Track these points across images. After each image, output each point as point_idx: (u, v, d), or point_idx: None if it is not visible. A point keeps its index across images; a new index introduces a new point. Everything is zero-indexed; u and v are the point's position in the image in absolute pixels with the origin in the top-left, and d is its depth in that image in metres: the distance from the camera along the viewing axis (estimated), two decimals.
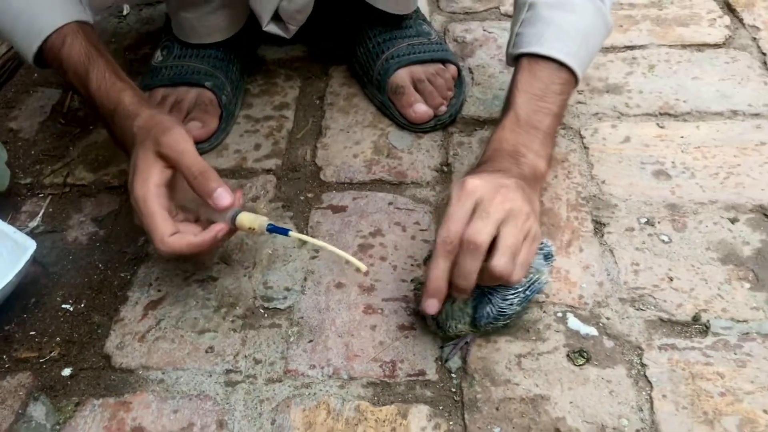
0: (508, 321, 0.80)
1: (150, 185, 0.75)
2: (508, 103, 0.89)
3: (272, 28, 1.04)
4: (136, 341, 0.83)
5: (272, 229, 0.78)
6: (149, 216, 0.75)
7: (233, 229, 0.79)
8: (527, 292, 0.79)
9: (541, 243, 0.82)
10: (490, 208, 0.72)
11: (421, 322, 0.84)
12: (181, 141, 0.76)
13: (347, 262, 0.75)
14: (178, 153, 0.76)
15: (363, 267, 0.74)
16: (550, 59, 0.88)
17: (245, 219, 0.78)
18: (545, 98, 0.87)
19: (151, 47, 1.26)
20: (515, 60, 0.92)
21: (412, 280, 0.87)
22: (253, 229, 0.78)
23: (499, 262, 0.71)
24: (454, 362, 0.80)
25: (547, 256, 0.82)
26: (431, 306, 0.75)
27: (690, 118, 1.10)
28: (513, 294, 0.78)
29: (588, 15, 0.91)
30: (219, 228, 0.77)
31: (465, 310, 0.78)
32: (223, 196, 0.76)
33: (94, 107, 0.86)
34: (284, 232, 0.78)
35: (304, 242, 0.86)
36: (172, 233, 0.75)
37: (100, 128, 1.11)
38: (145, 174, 0.75)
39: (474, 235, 0.71)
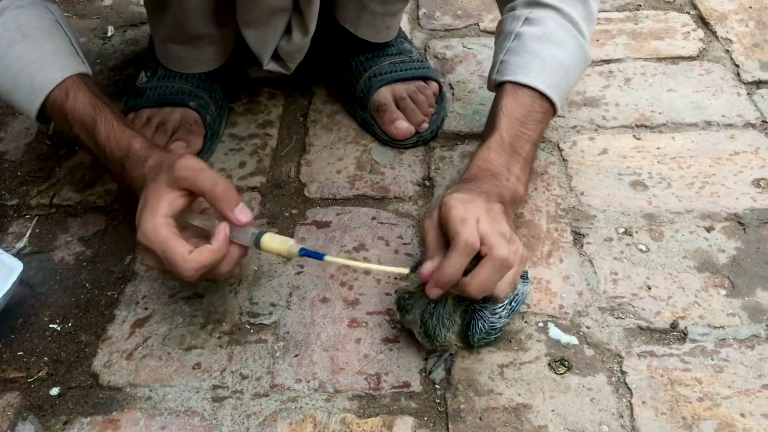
0: (499, 334, 0.82)
1: (158, 216, 0.73)
2: (492, 125, 0.91)
3: (273, 67, 1.08)
4: (124, 359, 0.84)
5: (306, 254, 0.77)
6: (163, 242, 0.72)
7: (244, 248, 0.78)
8: (512, 304, 0.81)
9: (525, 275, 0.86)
10: (496, 225, 0.76)
11: (406, 335, 0.85)
12: (196, 162, 0.76)
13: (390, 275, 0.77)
14: (196, 171, 0.74)
15: (405, 270, 0.78)
16: (534, 89, 0.91)
17: (271, 241, 0.77)
18: (527, 125, 0.91)
19: (136, 68, 1.27)
20: (499, 85, 0.94)
21: (396, 291, 0.88)
22: (283, 254, 0.77)
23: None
24: (438, 374, 0.82)
25: (524, 277, 0.85)
26: (434, 293, 0.76)
27: (666, 130, 1.13)
28: (500, 307, 0.80)
29: (570, 50, 0.95)
30: (225, 228, 0.75)
31: (453, 318, 0.80)
32: (245, 211, 0.76)
33: (102, 156, 0.86)
34: (319, 256, 0.78)
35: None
36: (191, 251, 0.73)
37: None
38: (154, 206, 0.74)
39: (509, 252, 0.74)
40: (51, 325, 0.88)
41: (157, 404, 0.79)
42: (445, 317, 0.79)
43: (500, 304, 0.80)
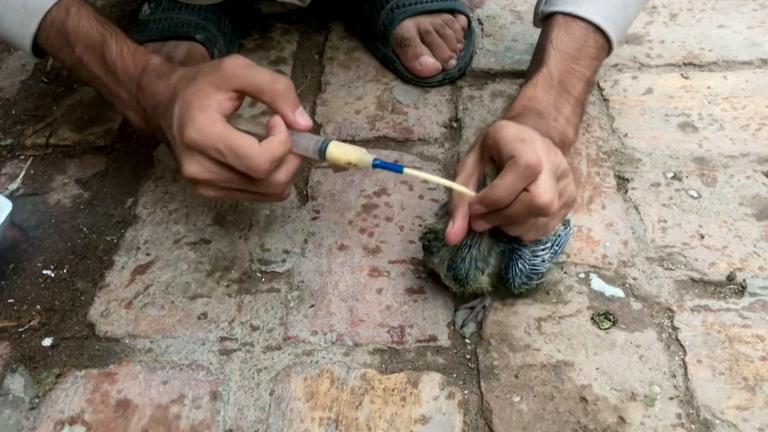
0: (541, 281, 0.73)
1: (211, 112, 0.64)
2: (539, 60, 0.81)
3: None
4: (123, 308, 0.77)
5: (380, 165, 0.66)
6: (224, 136, 0.63)
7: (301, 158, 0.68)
8: (555, 247, 0.73)
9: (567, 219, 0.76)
10: (550, 157, 0.65)
11: (432, 285, 0.77)
12: (246, 60, 0.66)
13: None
14: (249, 67, 0.66)
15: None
16: (587, 21, 0.81)
17: (340, 150, 0.66)
18: (579, 61, 0.81)
19: (140, 2, 1.18)
20: (545, 18, 0.84)
21: (424, 229, 0.76)
22: (354, 164, 0.66)
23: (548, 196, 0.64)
24: (469, 328, 0.74)
25: (565, 223, 0.76)
26: (479, 225, 0.67)
27: (716, 68, 1.03)
28: (542, 249, 0.71)
29: None
30: (282, 120, 0.66)
31: (488, 259, 0.71)
32: (304, 114, 0.67)
33: (112, 77, 0.75)
34: (397, 168, 0.67)
35: (305, 200, 0.76)
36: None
37: (85, 86, 1.04)
38: (202, 105, 0.64)
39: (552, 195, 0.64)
40: (44, 272, 0.81)
41: (159, 357, 0.72)
42: (479, 258, 0.70)
43: (541, 246, 0.71)
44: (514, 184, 0.63)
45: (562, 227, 0.75)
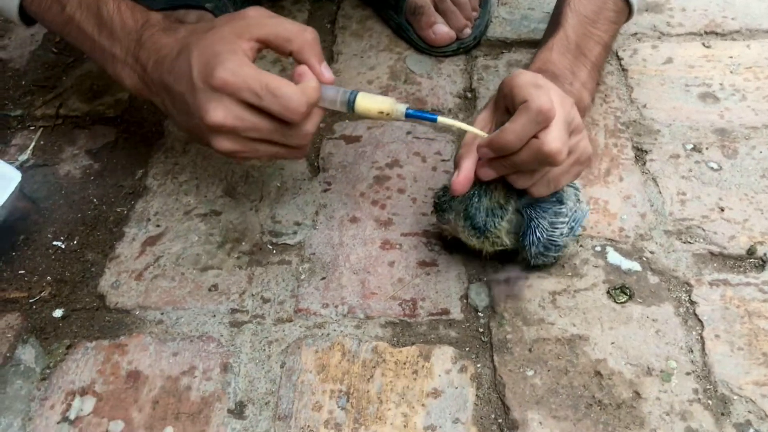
0: (558, 254, 0.71)
1: (241, 55, 0.61)
2: (556, 22, 0.79)
3: None
4: (133, 280, 0.76)
5: (413, 115, 0.64)
6: (260, 76, 0.60)
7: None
8: (572, 223, 0.70)
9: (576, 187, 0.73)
10: (565, 108, 0.63)
11: (445, 258, 0.76)
12: (268, 11, 0.64)
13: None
14: (273, 16, 0.63)
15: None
16: None
17: (370, 100, 0.63)
18: (597, 24, 0.78)
19: None
20: None
21: (437, 192, 0.73)
22: (386, 113, 0.63)
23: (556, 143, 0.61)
24: (481, 300, 0.72)
25: (577, 193, 0.73)
26: (486, 173, 0.65)
27: (739, 37, 1.00)
28: (562, 222, 0.69)
29: None
30: (305, 68, 0.64)
31: (506, 207, 0.68)
32: (328, 68, 0.65)
33: (107, 34, 0.69)
34: (431, 118, 0.64)
35: (316, 172, 0.72)
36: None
37: None
38: (230, 49, 0.61)
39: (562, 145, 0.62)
40: (55, 243, 0.80)
41: (169, 328, 0.72)
42: (494, 206, 0.67)
43: (562, 218, 0.69)
44: (525, 128, 0.61)
45: (583, 204, 0.73)
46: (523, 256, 0.71)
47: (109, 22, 0.69)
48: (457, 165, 0.66)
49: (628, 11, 0.81)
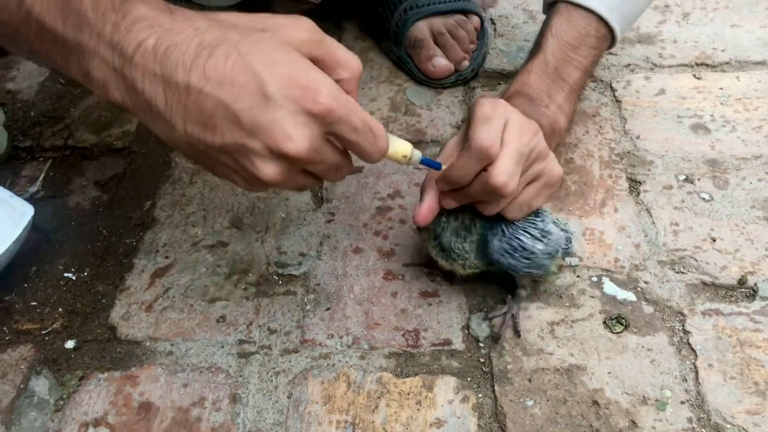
0: (534, 270, 0.72)
1: (326, 75, 0.53)
2: (537, 46, 0.83)
3: None
4: (143, 311, 0.78)
5: (425, 162, 0.65)
6: (359, 110, 0.54)
7: None
8: (547, 239, 0.71)
9: (564, 220, 0.76)
10: (522, 139, 0.66)
11: (446, 288, 0.78)
12: (317, 27, 0.56)
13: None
14: (324, 34, 0.56)
15: None
16: (590, 11, 0.82)
17: (398, 143, 0.61)
18: (578, 50, 0.81)
19: None
20: (551, 6, 0.85)
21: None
22: (408, 157, 0.62)
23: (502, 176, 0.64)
24: (482, 330, 0.75)
25: (569, 239, 0.75)
26: (446, 202, 0.68)
27: (729, 69, 1.03)
28: (523, 232, 0.70)
29: None
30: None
31: (471, 228, 0.71)
32: None
33: (74, 20, 0.54)
34: (436, 166, 0.67)
35: (320, 203, 0.73)
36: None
37: None
38: (313, 68, 0.53)
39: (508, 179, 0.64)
40: (66, 274, 0.82)
41: (179, 360, 0.74)
42: (461, 227, 0.71)
43: (522, 227, 0.70)
44: (468, 165, 0.64)
45: (560, 227, 0.75)
46: (497, 270, 0.73)
47: (77, 4, 0.54)
48: (420, 196, 0.70)
49: (611, 38, 0.84)
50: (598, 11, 0.81)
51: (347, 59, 0.56)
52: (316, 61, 0.54)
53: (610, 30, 0.83)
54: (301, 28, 0.54)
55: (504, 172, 0.64)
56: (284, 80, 0.50)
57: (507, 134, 0.66)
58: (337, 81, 0.55)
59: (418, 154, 0.65)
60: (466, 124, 0.69)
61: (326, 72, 0.55)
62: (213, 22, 0.52)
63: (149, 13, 0.52)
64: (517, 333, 0.74)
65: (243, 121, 0.50)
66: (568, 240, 0.75)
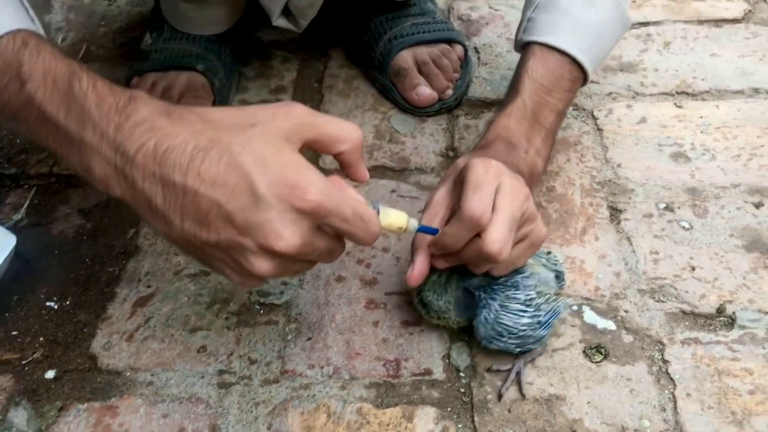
0: (517, 343, 0.72)
1: (318, 172, 0.54)
2: (515, 90, 0.84)
3: (282, 23, 0.99)
4: (124, 341, 0.78)
5: (422, 230, 0.67)
6: (350, 201, 0.55)
7: None
8: (537, 313, 0.71)
9: (554, 258, 0.77)
10: (515, 203, 0.66)
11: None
12: (307, 108, 0.57)
13: None
14: (317, 115, 0.57)
15: None
16: (563, 53, 0.83)
17: (392, 215, 0.62)
18: (553, 93, 0.83)
19: (143, 31, 1.20)
20: (525, 46, 0.86)
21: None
22: (403, 229, 0.63)
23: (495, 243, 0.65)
24: (463, 360, 0.75)
25: (559, 276, 0.76)
26: (433, 251, 0.69)
27: (709, 97, 1.04)
28: (517, 307, 0.71)
29: (606, 10, 0.86)
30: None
31: (447, 287, 0.73)
32: (365, 167, 0.61)
33: (77, 113, 0.56)
34: (433, 232, 0.68)
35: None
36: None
37: None
38: (303, 164, 0.54)
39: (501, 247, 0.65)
40: (48, 303, 0.82)
41: (159, 390, 0.74)
42: (438, 283, 0.72)
43: (516, 303, 0.70)
44: (460, 233, 0.66)
45: (554, 279, 0.75)
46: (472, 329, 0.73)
47: (81, 99, 0.56)
48: (412, 257, 0.71)
49: (584, 78, 0.86)
50: (571, 53, 0.83)
51: (343, 132, 0.57)
52: (311, 144, 0.56)
53: (583, 71, 0.84)
54: (289, 116, 0.55)
55: (498, 241, 0.64)
56: (273, 180, 0.52)
57: (499, 199, 0.66)
58: (339, 155, 0.58)
59: (414, 224, 0.65)
60: (453, 179, 0.70)
61: (325, 150, 0.58)
62: (207, 124, 0.54)
63: (150, 116, 0.54)
64: (522, 393, 0.72)
65: (236, 220, 0.52)
66: (559, 277, 0.76)
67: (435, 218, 0.70)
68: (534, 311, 0.71)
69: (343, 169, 0.61)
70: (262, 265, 0.54)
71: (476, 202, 0.64)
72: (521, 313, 0.71)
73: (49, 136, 0.58)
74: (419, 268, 0.70)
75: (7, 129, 1.03)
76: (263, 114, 0.55)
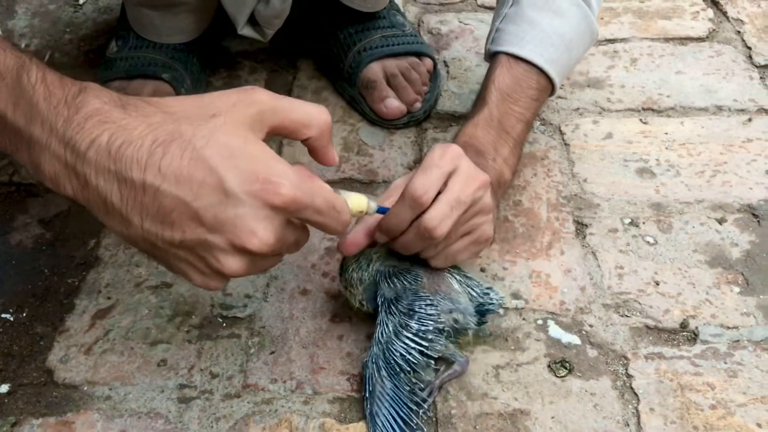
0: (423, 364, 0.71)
1: (285, 162, 0.52)
2: (482, 99, 0.84)
3: (248, 32, 0.98)
4: (82, 354, 0.76)
5: (380, 210, 0.67)
6: (322, 191, 0.54)
7: None
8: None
9: (491, 295, 0.76)
10: (465, 189, 0.68)
11: None
12: (268, 92, 0.55)
13: None
14: (282, 99, 0.55)
15: None
16: (530, 63, 0.84)
17: (354, 199, 0.61)
18: (520, 102, 0.84)
19: (109, 38, 1.18)
20: (493, 56, 0.87)
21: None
22: (365, 212, 0.63)
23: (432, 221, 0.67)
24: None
25: (482, 312, 0.75)
26: (380, 237, 0.70)
27: (674, 114, 1.06)
28: (411, 337, 0.70)
29: (574, 21, 0.87)
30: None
31: (371, 266, 0.74)
32: (334, 150, 0.60)
33: (26, 106, 0.52)
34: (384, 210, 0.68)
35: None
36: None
37: None
38: (270, 154, 0.52)
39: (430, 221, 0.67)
40: (3, 315, 0.80)
41: (117, 405, 0.72)
42: (365, 259, 0.73)
43: (407, 332, 0.70)
44: (401, 212, 0.67)
45: (473, 312, 0.74)
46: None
47: (29, 92, 0.52)
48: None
49: (552, 88, 0.86)
50: (538, 63, 0.84)
51: (309, 116, 0.55)
52: (276, 130, 0.54)
53: (551, 81, 0.85)
54: (252, 103, 0.53)
55: (435, 218, 0.66)
56: (243, 175, 0.50)
57: (451, 181, 0.68)
58: (306, 140, 0.56)
59: (373, 206, 0.65)
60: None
61: (291, 136, 0.56)
62: (166, 116, 0.52)
63: (102, 108, 0.51)
64: (438, 387, 0.72)
65: (204, 218, 0.50)
66: (482, 313, 0.75)
67: (389, 200, 0.70)
68: (427, 345, 0.70)
69: (311, 153, 0.59)
70: (232, 264, 0.53)
71: (419, 182, 0.66)
72: (411, 344, 0.70)
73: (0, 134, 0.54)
74: (353, 236, 0.70)
75: None
76: (224, 102, 0.53)
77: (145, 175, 0.50)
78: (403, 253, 0.72)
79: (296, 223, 0.56)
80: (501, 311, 0.78)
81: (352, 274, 0.74)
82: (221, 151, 0.50)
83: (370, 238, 0.71)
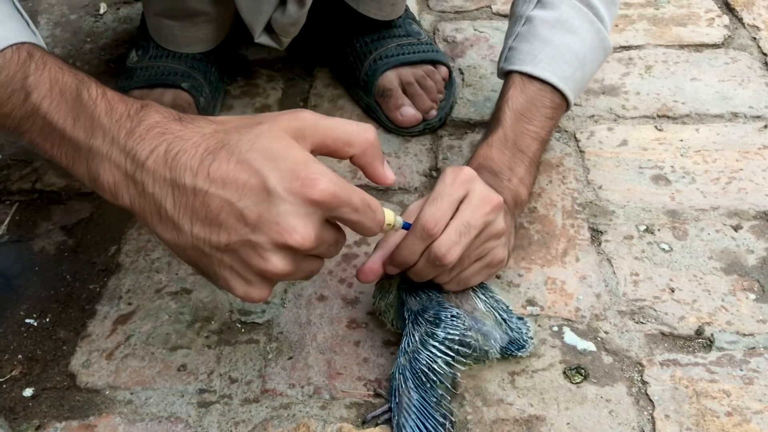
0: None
1: (325, 165, 0.54)
2: (496, 119, 0.85)
3: (264, 40, 0.99)
4: (104, 359, 0.78)
5: (406, 227, 0.67)
6: (357, 190, 0.55)
7: None
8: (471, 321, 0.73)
9: (520, 324, 0.77)
10: (476, 213, 0.68)
11: None
12: (316, 114, 0.57)
13: None
14: (325, 118, 0.56)
15: None
16: (544, 81, 0.85)
17: (385, 210, 0.61)
18: (534, 121, 0.84)
19: (129, 47, 1.20)
20: (506, 74, 0.88)
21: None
22: (392, 225, 0.64)
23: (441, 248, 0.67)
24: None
25: (512, 352, 0.76)
26: (390, 270, 0.71)
27: (689, 121, 1.06)
28: (437, 345, 0.70)
29: (587, 37, 0.87)
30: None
31: (392, 288, 0.75)
32: (389, 168, 0.61)
33: (86, 120, 0.56)
34: (407, 226, 0.68)
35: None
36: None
37: None
38: (311, 158, 0.54)
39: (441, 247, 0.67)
40: (27, 320, 0.82)
41: (138, 409, 0.73)
42: (387, 287, 0.75)
43: (433, 340, 0.71)
44: (412, 244, 0.67)
45: (498, 325, 0.76)
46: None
47: (90, 107, 0.56)
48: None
49: (566, 105, 0.87)
50: (551, 81, 0.84)
51: (350, 134, 0.57)
52: (320, 148, 0.56)
53: (565, 98, 0.86)
54: (295, 117, 0.55)
55: (445, 244, 0.66)
56: (284, 174, 0.52)
57: (463, 205, 0.68)
58: (352, 159, 0.58)
59: (399, 220, 0.66)
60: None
61: (336, 155, 0.57)
62: (218, 126, 0.55)
63: (162, 121, 0.55)
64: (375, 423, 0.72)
65: (248, 217, 0.52)
66: (514, 343, 0.76)
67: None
68: (453, 356, 0.70)
69: (364, 173, 0.60)
70: (276, 262, 0.54)
71: (429, 212, 0.66)
72: (437, 353, 0.70)
73: (54, 146, 0.58)
74: (370, 264, 0.71)
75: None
76: (272, 115, 0.56)
77: (196, 180, 0.53)
78: (416, 280, 0.72)
79: (333, 223, 0.57)
80: (527, 353, 0.77)
81: (380, 303, 0.76)
82: (264, 154, 0.52)
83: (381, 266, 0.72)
